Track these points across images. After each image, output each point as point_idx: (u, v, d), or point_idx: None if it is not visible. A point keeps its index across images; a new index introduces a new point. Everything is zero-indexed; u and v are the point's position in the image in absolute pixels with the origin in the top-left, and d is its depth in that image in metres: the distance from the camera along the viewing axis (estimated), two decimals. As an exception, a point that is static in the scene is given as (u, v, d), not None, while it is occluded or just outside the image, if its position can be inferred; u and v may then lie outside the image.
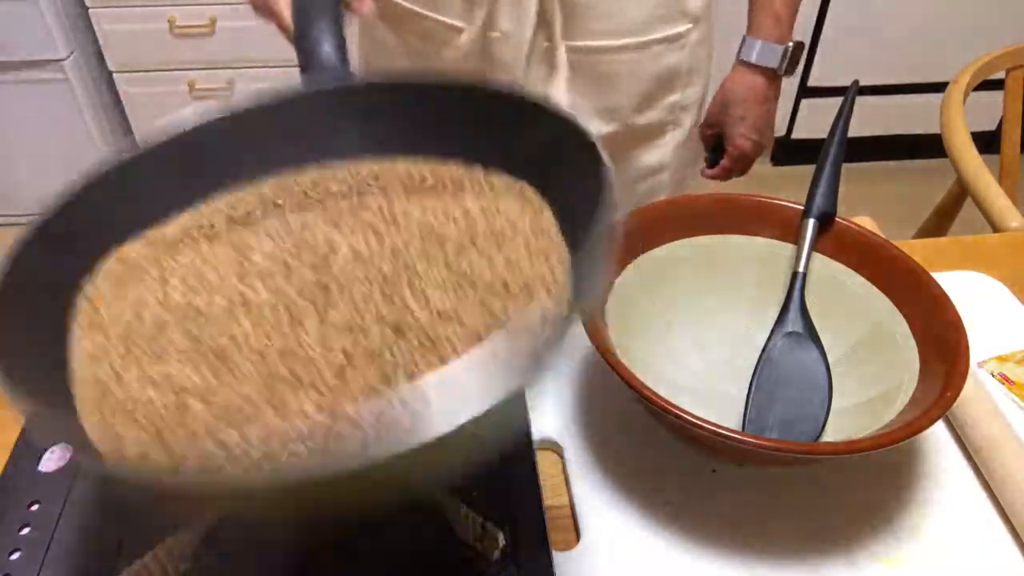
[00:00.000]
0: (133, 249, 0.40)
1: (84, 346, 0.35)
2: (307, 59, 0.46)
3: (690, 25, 0.74)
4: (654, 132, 0.80)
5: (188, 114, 0.42)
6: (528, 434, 0.50)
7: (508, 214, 0.39)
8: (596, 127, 0.76)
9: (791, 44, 0.79)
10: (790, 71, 0.80)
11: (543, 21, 0.69)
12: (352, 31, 0.81)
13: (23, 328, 0.33)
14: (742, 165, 0.86)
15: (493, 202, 0.40)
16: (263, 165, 0.44)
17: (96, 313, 0.37)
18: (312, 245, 0.39)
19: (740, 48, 0.80)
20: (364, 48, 0.80)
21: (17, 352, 0.30)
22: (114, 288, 0.38)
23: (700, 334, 0.58)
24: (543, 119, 0.39)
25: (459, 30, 0.70)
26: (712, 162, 0.89)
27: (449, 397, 0.26)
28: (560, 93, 0.71)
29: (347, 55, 0.47)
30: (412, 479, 0.27)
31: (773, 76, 0.80)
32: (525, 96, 0.40)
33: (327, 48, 0.46)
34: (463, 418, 0.24)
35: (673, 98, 0.79)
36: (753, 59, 0.79)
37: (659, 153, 0.82)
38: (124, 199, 0.41)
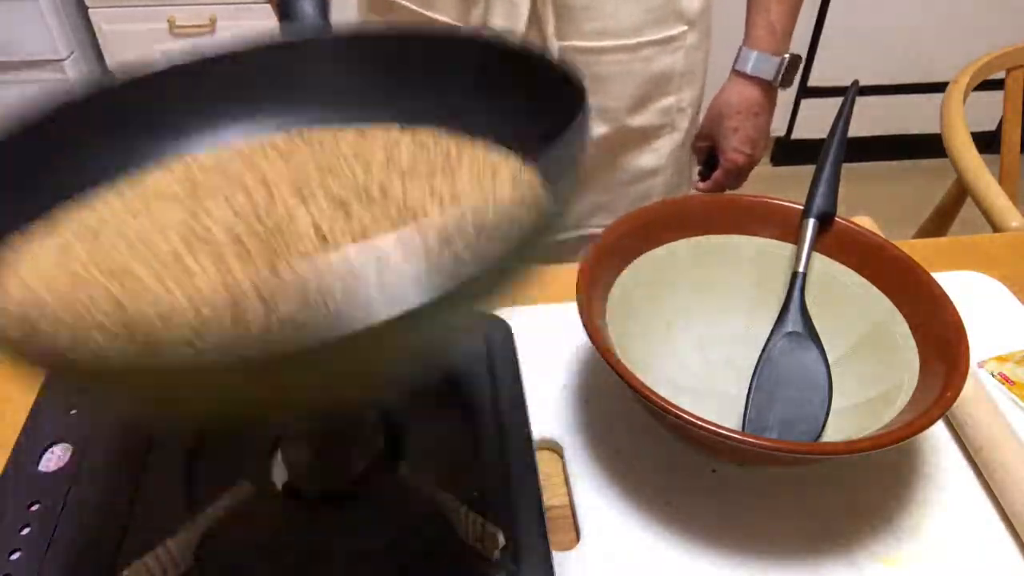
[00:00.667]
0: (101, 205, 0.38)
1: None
2: (286, 8, 0.45)
3: (685, 28, 0.74)
4: (649, 135, 0.80)
5: (159, 55, 0.41)
6: (528, 434, 0.51)
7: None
8: (590, 128, 0.76)
9: (787, 56, 0.78)
10: (786, 83, 0.80)
11: (535, 20, 0.69)
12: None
13: None
14: (735, 179, 0.86)
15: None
16: (232, 116, 0.43)
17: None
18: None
19: (736, 59, 0.80)
20: None
21: None
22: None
23: (700, 334, 0.58)
24: (524, 63, 0.38)
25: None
26: (705, 175, 0.89)
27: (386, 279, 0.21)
28: None
29: (327, 9, 0.46)
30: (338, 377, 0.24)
31: (768, 88, 0.80)
32: (504, 42, 0.39)
33: (306, 3, 0.45)
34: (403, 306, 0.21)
35: (668, 101, 0.78)
36: (748, 70, 0.79)
37: (654, 156, 0.82)
38: (94, 132, 0.39)
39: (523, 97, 0.38)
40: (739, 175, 0.86)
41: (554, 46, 0.69)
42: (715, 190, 0.87)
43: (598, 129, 0.76)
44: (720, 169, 0.85)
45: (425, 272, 0.22)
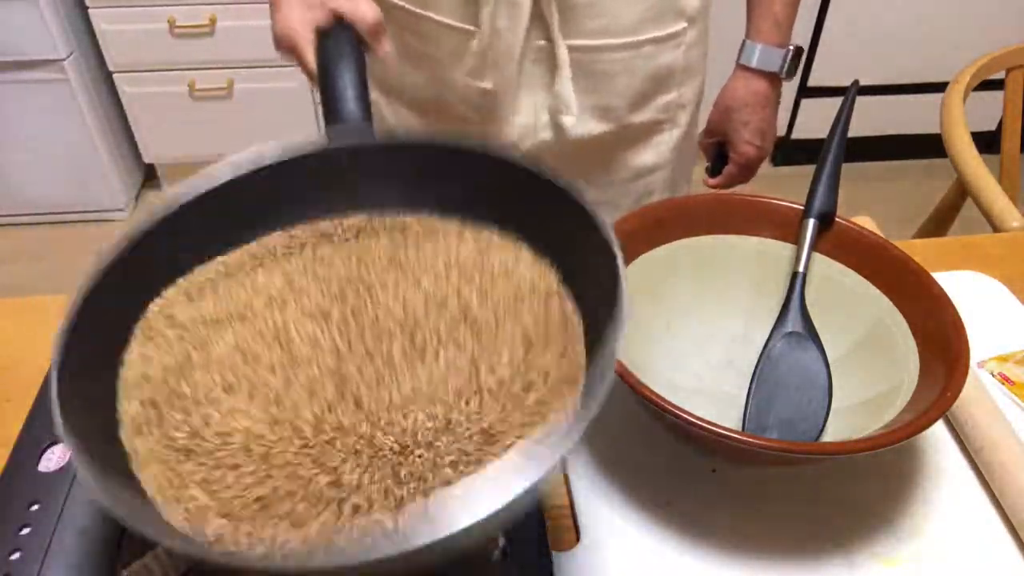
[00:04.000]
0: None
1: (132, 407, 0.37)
2: (331, 111, 0.48)
3: (685, 25, 0.74)
4: (650, 131, 0.80)
5: (219, 168, 0.44)
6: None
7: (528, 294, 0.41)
8: (591, 126, 0.76)
9: (791, 48, 0.78)
10: (790, 75, 0.80)
11: (538, 20, 0.69)
12: None
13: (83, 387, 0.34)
14: (747, 172, 0.86)
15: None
16: (285, 218, 0.46)
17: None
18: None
19: (740, 53, 0.80)
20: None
21: (81, 416, 0.32)
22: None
23: (700, 334, 0.58)
24: (567, 207, 0.40)
25: (457, 30, 0.70)
26: (714, 171, 0.89)
27: (464, 502, 0.30)
28: (567, 86, 0.71)
29: (369, 108, 0.48)
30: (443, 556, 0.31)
31: (774, 80, 0.80)
32: (552, 179, 0.42)
33: (351, 101, 0.48)
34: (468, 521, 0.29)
35: (668, 97, 0.78)
36: (754, 63, 0.79)
37: (655, 153, 0.82)
38: (160, 254, 0.42)
39: (557, 231, 0.41)
40: (751, 168, 0.86)
41: (561, 45, 0.69)
42: (726, 186, 0.87)
43: (599, 127, 0.76)
44: (732, 164, 0.85)
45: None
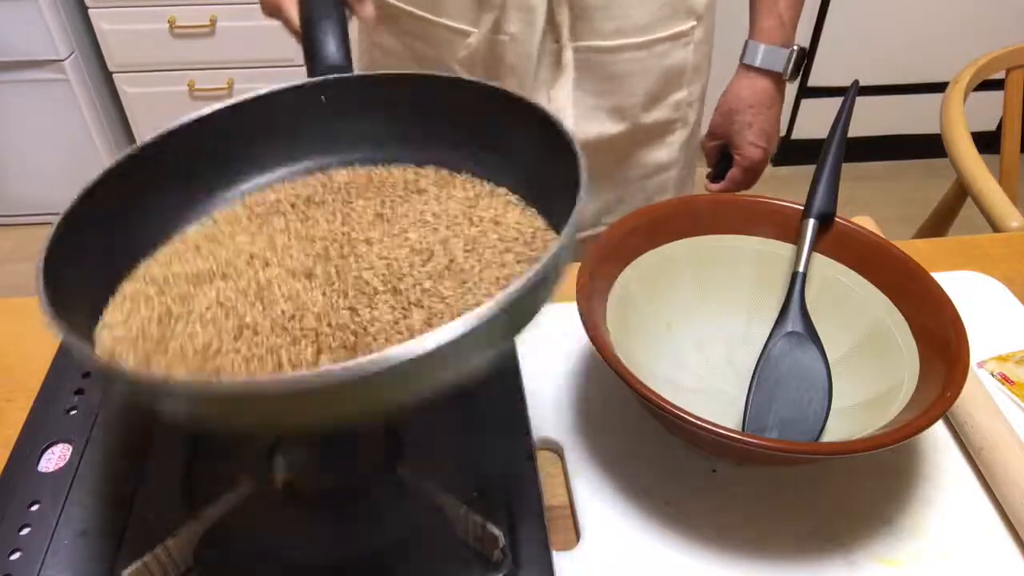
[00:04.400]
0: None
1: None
2: (312, 58, 0.50)
3: (694, 23, 0.74)
4: (662, 130, 0.80)
5: (191, 114, 0.46)
6: (528, 434, 0.51)
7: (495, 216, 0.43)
8: (606, 127, 0.76)
9: (796, 48, 0.78)
10: (794, 76, 0.79)
11: (551, 23, 0.69)
12: (356, 39, 0.81)
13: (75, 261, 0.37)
14: (751, 175, 0.85)
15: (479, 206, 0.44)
16: (266, 159, 0.49)
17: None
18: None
19: (743, 53, 0.80)
20: (370, 56, 0.80)
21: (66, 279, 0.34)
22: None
23: (700, 334, 0.58)
24: (531, 120, 0.42)
25: (466, 34, 0.70)
26: (718, 175, 0.87)
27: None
28: (565, 93, 0.71)
29: (350, 55, 0.50)
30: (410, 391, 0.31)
31: (778, 80, 0.80)
32: (516, 97, 0.44)
33: (331, 48, 0.50)
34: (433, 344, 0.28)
35: (679, 95, 0.78)
36: (758, 63, 0.78)
37: (667, 151, 0.82)
38: (144, 190, 0.44)
39: (525, 146, 0.43)
40: (755, 171, 0.85)
41: (567, 49, 0.69)
42: (730, 190, 0.86)
43: (614, 127, 0.76)
44: (736, 166, 0.84)
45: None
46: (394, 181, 0.47)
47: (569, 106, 0.71)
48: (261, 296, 0.38)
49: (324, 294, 0.38)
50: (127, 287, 0.41)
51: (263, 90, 0.47)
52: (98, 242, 0.40)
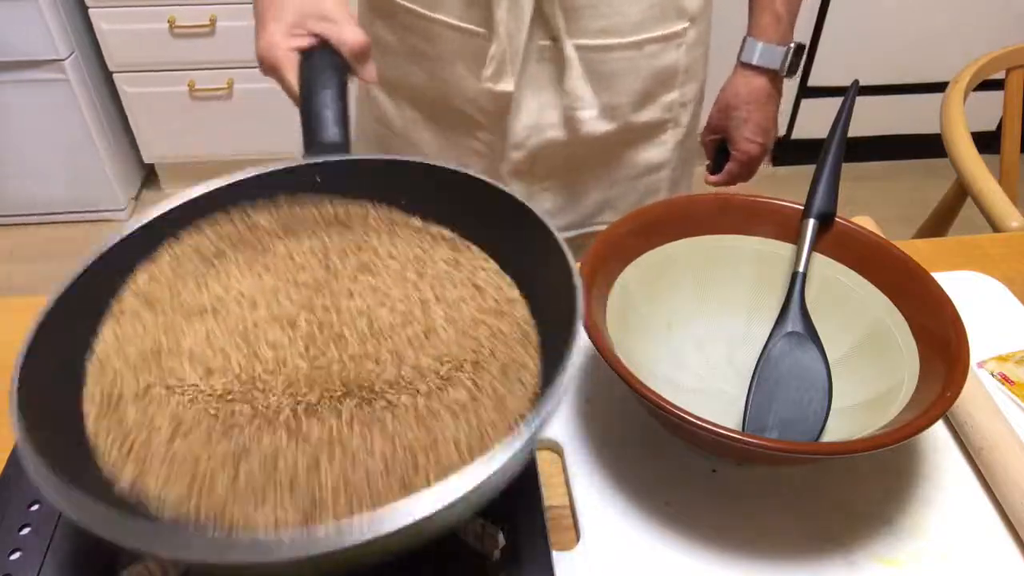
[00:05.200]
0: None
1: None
2: (310, 134, 0.49)
3: (687, 24, 0.74)
4: (654, 130, 0.80)
5: (195, 188, 0.45)
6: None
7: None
8: (596, 125, 0.76)
9: (792, 45, 0.79)
10: (791, 73, 0.80)
11: (541, 20, 0.69)
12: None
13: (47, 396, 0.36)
14: (748, 169, 0.86)
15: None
16: None
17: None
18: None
19: (741, 50, 0.80)
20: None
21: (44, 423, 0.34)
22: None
23: (700, 334, 0.58)
24: (527, 223, 0.43)
25: (463, 31, 0.70)
26: (715, 169, 0.88)
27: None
28: (579, 82, 0.71)
29: (348, 131, 0.50)
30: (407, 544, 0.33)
31: (775, 77, 0.80)
32: (511, 198, 0.44)
33: (330, 125, 0.49)
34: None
35: (671, 96, 0.79)
36: (755, 60, 0.79)
37: (659, 151, 0.82)
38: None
39: (529, 260, 0.44)
40: (752, 165, 0.86)
41: (568, 44, 0.69)
42: (728, 183, 0.87)
43: (604, 126, 0.76)
44: (733, 161, 0.85)
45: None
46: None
47: (588, 91, 0.72)
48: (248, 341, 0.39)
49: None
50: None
51: (257, 171, 0.47)
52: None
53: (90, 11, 1.73)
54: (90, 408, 0.37)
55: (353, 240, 0.46)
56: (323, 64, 0.52)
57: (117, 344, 0.39)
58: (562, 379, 0.35)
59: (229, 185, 0.46)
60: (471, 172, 0.46)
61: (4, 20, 1.65)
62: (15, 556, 0.43)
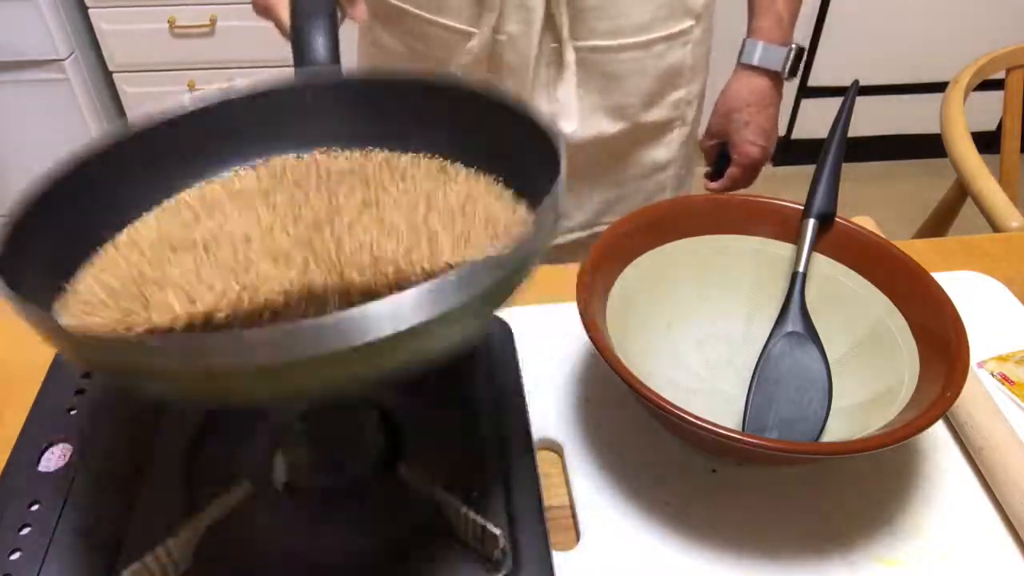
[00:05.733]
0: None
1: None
2: (301, 55, 0.49)
3: (692, 22, 0.74)
4: (661, 129, 0.80)
5: (184, 100, 0.45)
6: (528, 434, 0.51)
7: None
8: (605, 126, 0.76)
9: (794, 47, 0.78)
10: (792, 75, 0.80)
11: (550, 23, 0.69)
12: (356, 40, 0.81)
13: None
14: (750, 173, 0.85)
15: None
16: (252, 150, 0.48)
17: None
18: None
19: (741, 52, 0.80)
20: (368, 55, 0.80)
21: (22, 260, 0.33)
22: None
23: (700, 334, 0.58)
24: (511, 116, 0.42)
25: (466, 34, 0.70)
26: (716, 173, 0.87)
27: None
28: (570, 92, 0.71)
29: (339, 54, 0.50)
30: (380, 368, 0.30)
31: (776, 79, 0.80)
32: (496, 95, 0.43)
33: (320, 46, 0.49)
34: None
35: (678, 95, 0.79)
36: (755, 62, 0.79)
37: (666, 150, 0.82)
38: (124, 174, 0.43)
39: (509, 138, 0.42)
40: (754, 169, 0.85)
41: (568, 49, 0.69)
42: (729, 189, 0.86)
43: (613, 126, 0.76)
44: (735, 165, 0.84)
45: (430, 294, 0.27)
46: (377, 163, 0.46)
47: (574, 103, 0.72)
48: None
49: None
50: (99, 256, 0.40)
51: (249, 87, 0.47)
52: (65, 223, 0.39)
53: (90, 11, 1.73)
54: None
55: (361, 178, 0.45)
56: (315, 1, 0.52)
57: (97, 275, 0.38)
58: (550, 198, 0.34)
59: (220, 103, 0.46)
60: (464, 80, 0.45)
61: (4, 20, 1.65)
62: (15, 556, 0.43)
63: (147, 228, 0.42)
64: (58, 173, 0.38)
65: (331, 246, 0.39)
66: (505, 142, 0.43)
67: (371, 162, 0.46)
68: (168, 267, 0.38)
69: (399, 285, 0.36)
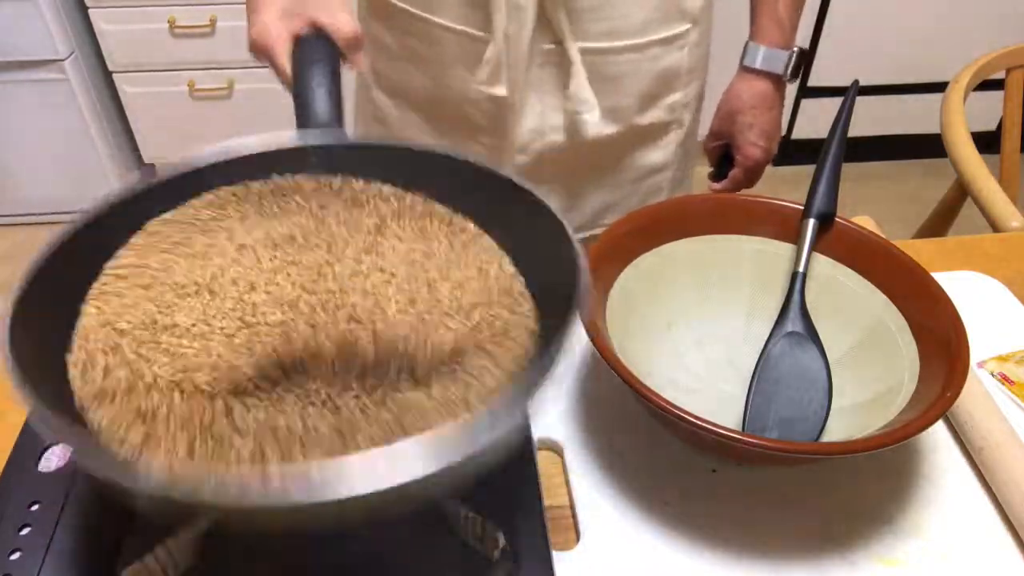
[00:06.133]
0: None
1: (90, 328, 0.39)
2: (303, 114, 0.48)
3: (689, 26, 0.74)
4: (657, 131, 0.80)
5: (189, 155, 0.45)
6: (528, 434, 0.50)
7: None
8: (601, 128, 0.76)
9: (796, 49, 0.78)
10: (794, 77, 0.80)
11: (544, 23, 0.69)
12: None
13: (38, 333, 0.37)
14: (753, 174, 0.85)
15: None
16: None
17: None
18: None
19: (743, 54, 0.80)
20: (366, 52, 0.80)
21: (32, 356, 0.34)
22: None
23: (700, 334, 0.58)
24: (526, 202, 0.42)
25: (462, 34, 0.70)
26: (719, 175, 0.88)
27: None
28: (583, 85, 0.71)
29: (342, 112, 0.49)
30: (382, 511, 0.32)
31: (778, 81, 0.80)
32: (509, 179, 0.43)
33: (322, 104, 0.48)
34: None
35: (674, 98, 0.79)
36: (758, 65, 0.79)
37: (662, 152, 0.82)
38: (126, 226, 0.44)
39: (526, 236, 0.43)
40: (756, 171, 0.85)
41: (573, 48, 0.69)
42: (732, 190, 0.86)
43: (608, 128, 0.76)
44: (738, 167, 0.85)
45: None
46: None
47: (592, 98, 0.71)
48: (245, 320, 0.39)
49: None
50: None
51: (256, 147, 0.46)
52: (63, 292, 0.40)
53: (90, 11, 1.73)
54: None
55: (360, 220, 0.45)
56: (316, 49, 0.51)
57: (103, 317, 0.39)
58: (553, 352, 0.35)
59: (223, 163, 0.46)
60: (462, 156, 0.45)
61: (4, 20, 1.65)
62: (15, 556, 0.43)
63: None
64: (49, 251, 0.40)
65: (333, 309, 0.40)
66: (516, 236, 0.43)
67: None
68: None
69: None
